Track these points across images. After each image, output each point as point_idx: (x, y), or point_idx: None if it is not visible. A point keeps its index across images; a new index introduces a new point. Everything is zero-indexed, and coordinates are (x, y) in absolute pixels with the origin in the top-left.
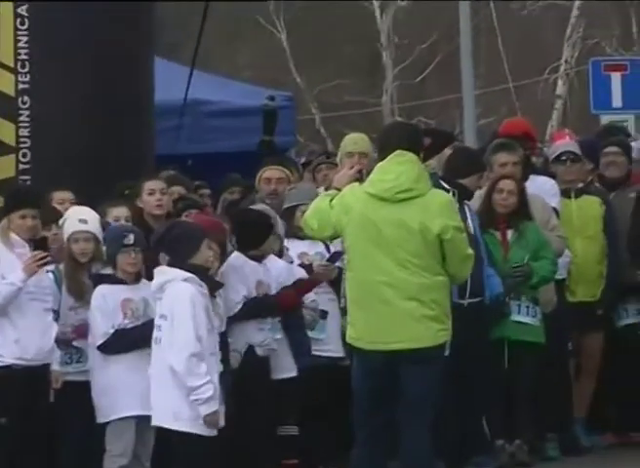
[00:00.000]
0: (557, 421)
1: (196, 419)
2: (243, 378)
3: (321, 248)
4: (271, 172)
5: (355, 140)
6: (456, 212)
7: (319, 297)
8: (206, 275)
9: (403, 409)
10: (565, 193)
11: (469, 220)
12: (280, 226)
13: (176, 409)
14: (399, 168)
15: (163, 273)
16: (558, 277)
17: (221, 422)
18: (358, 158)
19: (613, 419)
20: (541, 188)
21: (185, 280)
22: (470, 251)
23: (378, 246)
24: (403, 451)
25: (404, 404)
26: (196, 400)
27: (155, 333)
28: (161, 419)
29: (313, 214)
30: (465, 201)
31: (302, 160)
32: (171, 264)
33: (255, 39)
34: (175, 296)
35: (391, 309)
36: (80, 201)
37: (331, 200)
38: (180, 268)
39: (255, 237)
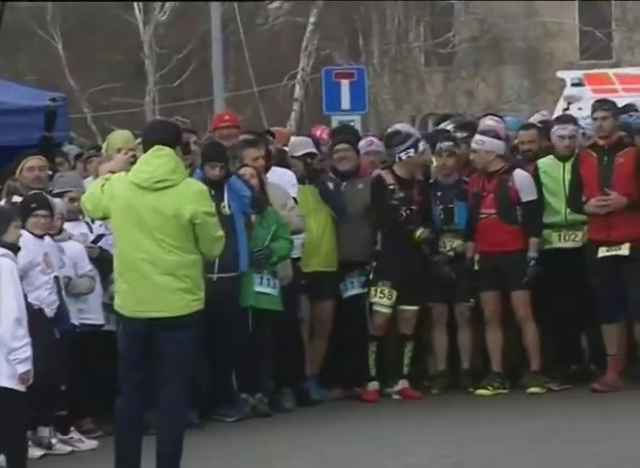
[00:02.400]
0: (292, 377)
1: (13, 377)
2: None
3: (84, 229)
4: (34, 161)
5: (126, 139)
6: (207, 199)
7: None
8: (16, 252)
9: (161, 368)
10: (303, 181)
11: (226, 203)
12: (61, 207)
13: None
14: (157, 161)
15: None
16: (294, 256)
17: (31, 380)
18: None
19: (341, 376)
20: (281, 178)
21: (3, 255)
22: (221, 233)
23: (139, 228)
24: (161, 404)
25: (162, 363)
26: (15, 359)
27: None
28: None
29: (88, 198)
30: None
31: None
32: None
33: (34, 47)
34: None
35: (150, 283)
36: None
37: (103, 185)
38: None
39: None
